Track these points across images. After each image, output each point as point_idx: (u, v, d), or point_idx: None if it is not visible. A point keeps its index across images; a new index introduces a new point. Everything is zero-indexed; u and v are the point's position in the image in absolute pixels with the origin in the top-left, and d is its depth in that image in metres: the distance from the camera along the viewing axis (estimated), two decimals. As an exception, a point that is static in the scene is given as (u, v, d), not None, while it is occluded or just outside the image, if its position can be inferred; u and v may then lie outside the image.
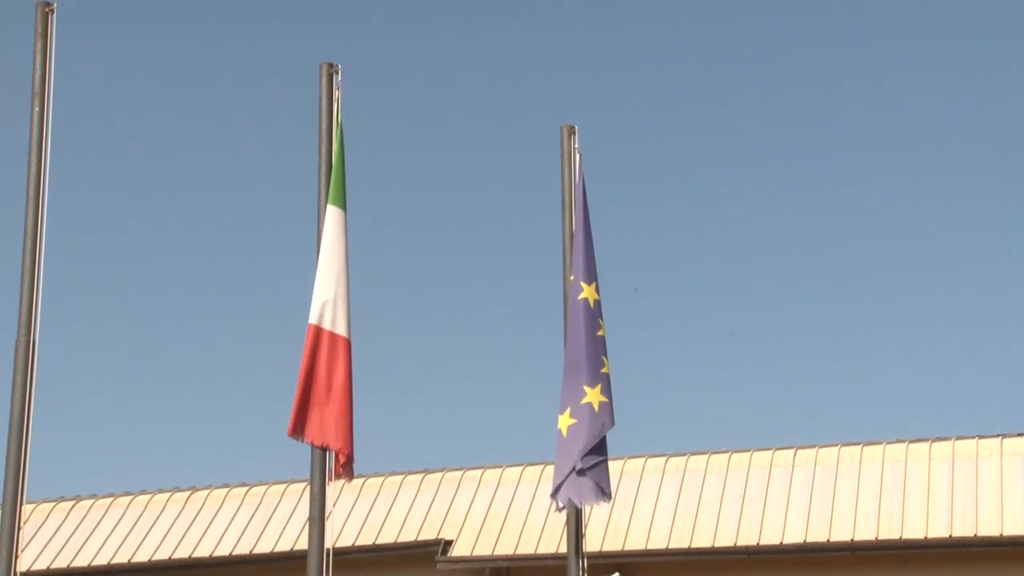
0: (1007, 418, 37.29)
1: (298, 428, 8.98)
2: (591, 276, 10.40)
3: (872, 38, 36.74)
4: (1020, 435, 18.49)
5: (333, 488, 9.04)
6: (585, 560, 9.94)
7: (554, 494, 9.88)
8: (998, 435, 18.57)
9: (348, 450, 8.93)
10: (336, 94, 9.62)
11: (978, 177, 35.81)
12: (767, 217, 36.28)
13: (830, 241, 36.24)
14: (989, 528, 17.09)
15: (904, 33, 36.92)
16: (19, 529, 8.84)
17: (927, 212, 35.93)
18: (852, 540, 17.39)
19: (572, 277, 10.39)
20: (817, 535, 17.59)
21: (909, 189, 36.00)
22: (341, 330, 9.14)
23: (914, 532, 17.31)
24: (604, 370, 10.03)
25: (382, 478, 19.95)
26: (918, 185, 36.05)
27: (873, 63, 36.87)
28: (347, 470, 9.00)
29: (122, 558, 19.77)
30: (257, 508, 20.18)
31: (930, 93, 36.36)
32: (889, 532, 17.40)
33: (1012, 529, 17.03)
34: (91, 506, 20.84)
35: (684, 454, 19.38)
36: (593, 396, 9.91)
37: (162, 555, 19.66)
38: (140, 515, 20.45)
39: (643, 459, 19.36)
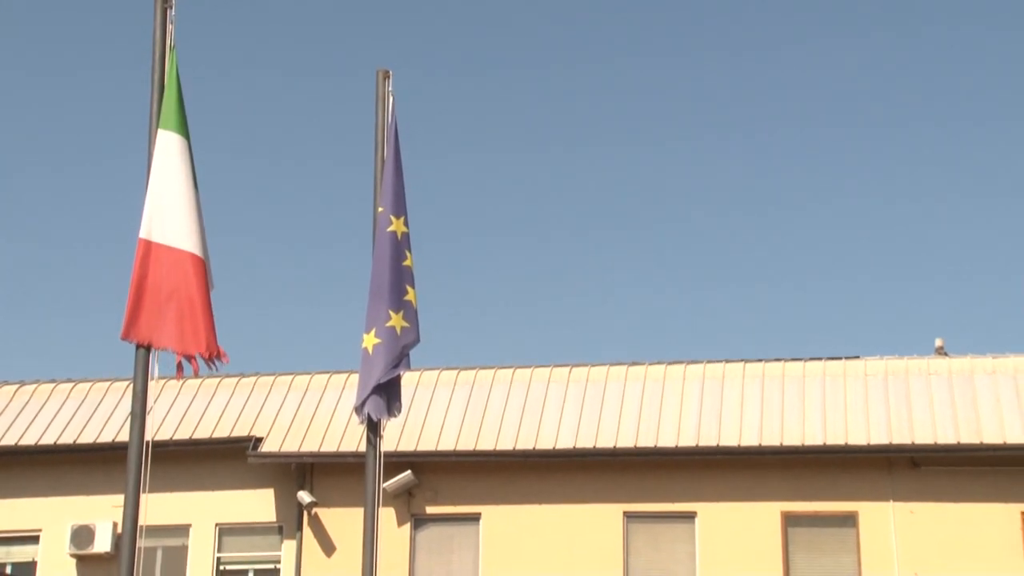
0: (768, 343, 40.25)
1: (130, 332, 9.45)
2: (400, 210, 10.89)
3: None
4: (778, 360, 20.63)
5: (154, 386, 9.48)
6: (381, 459, 10.48)
7: (358, 408, 10.59)
8: (759, 359, 20.78)
9: (183, 348, 9.34)
10: (170, 28, 9.75)
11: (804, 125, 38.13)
12: (571, 158, 38.32)
13: (630, 184, 38.47)
14: (729, 438, 19.47)
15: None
16: None
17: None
18: (615, 447, 19.52)
19: (381, 209, 10.91)
20: (585, 442, 19.67)
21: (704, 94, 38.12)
22: (181, 243, 9.41)
23: (667, 441, 19.56)
24: (407, 297, 10.69)
25: (201, 379, 21.00)
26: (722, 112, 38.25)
27: None
28: (212, 363, 9.46)
29: (-51, 444, 20.45)
30: (82, 402, 21.17)
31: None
32: (647, 440, 19.59)
33: (747, 440, 19.49)
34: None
35: (473, 368, 21.05)
36: (396, 320, 10.61)
37: (-11, 442, 20.47)
38: (-31, 406, 21.16)
39: (437, 371, 21.04)
